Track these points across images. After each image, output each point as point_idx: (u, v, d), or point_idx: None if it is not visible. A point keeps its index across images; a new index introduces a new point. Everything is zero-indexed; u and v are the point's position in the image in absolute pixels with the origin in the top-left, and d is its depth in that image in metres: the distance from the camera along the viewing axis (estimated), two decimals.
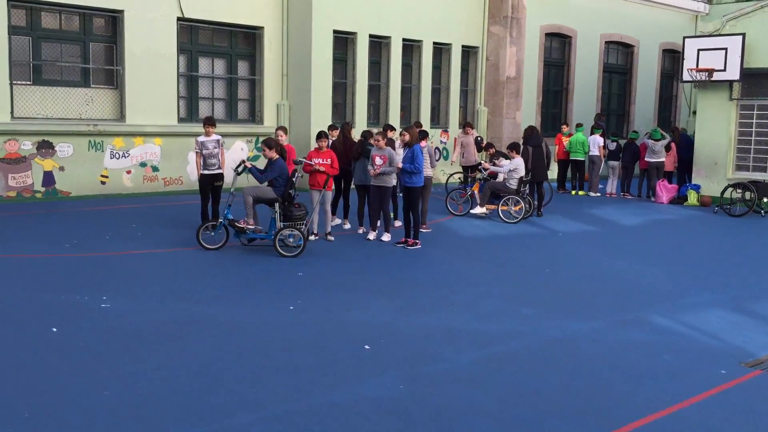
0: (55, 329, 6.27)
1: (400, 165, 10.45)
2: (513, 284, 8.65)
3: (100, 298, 7.30)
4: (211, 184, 11.02)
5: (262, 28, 16.63)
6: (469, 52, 19.81)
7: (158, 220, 12.08)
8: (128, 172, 14.93)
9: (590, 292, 8.40)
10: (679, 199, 16.24)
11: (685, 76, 15.68)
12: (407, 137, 10.58)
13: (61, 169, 14.03)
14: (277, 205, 9.73)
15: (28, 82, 13.82)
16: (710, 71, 15.01)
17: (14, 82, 13.46)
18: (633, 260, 10.18)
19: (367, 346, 6.12)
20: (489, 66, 19.94)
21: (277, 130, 10.62)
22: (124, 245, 9.99)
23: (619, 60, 23.49)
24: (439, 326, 6.80)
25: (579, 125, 18.75)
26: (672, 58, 24.77)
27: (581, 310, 7.54)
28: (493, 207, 13.17)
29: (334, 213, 11.68)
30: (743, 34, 15.04)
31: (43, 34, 13.95)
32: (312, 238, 10.79)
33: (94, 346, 5.92)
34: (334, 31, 16.75)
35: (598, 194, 17.73)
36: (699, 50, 15.25)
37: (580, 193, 17.92)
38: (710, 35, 15.49)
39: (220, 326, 6.56)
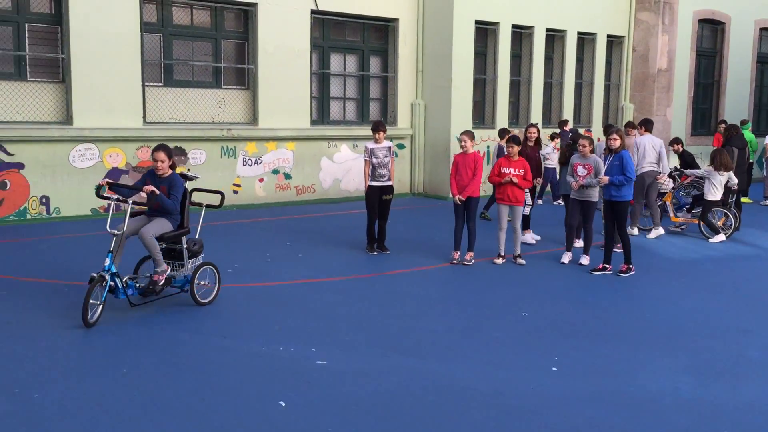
0: (283, 403, 4.86)
1: (605, 179, 8.72)
2: None
3: (308, 349, 5.89)
4: (379, 197, 9.58)
5: (396, 20, 15.15)
6: (613, 42, 17.87)
7: (311, 237, 10.71)
8: (260, 180, 13.69)
9: None
10: None
11: None
12: (618, 142, 8.84)
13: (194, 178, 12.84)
14: (184, 238, 7.09)
15: (159, 84, 12.70)
16: None
17: (146, 83, 12.36)
18: None
19: None
20: (636, 57, 17.95)
21: (462, 135, 9.06)
22: (293, 271, 8.62)
23: None
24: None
25: (744, 122, 16.60)
26: None
27: None
28: (692, 221, 11.30)
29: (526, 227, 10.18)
30: None
31: (174, 31, 12.80)
32: (498, 261, 9.22)
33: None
34: (476, 22, 15.13)
35: None
36: None
37: (747, 200, 15.64)
38: None
39: (487, 398, 5.03)
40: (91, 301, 6.12)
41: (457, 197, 8.99)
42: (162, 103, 12.65)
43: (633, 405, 4.94)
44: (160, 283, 6.68)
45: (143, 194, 6.60)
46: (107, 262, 6.29)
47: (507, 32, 15.65)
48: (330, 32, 14.67)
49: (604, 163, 8.89)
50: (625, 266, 8.77)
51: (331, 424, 4.53)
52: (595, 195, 9.11)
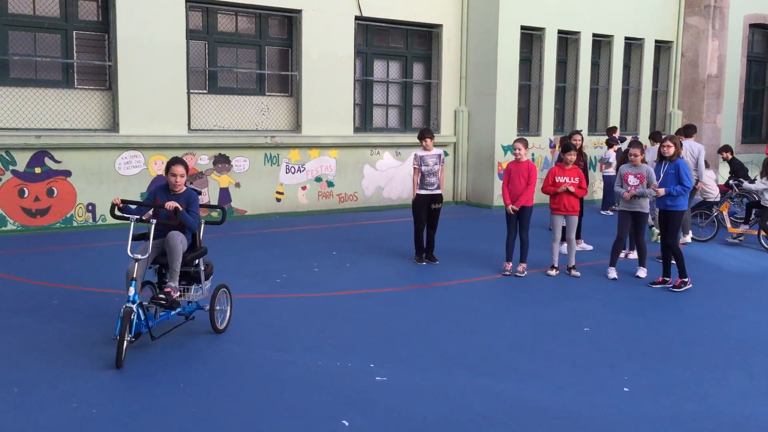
0: (346, 423, 4.66)
1: (661, 191, 8.36)
2: None
3: (366, 364, 5.70)
4: (428, 205, 9.37)
5: (440, 26, 14.96)
6: (660, 47, 17.45)
7: (357, 246, 10.54)
8: (303, 188, 13.57)
9: None
10: None
11: None
12: (672, 149, 8.51)
13: (237, 185, 12.80)
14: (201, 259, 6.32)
15: (204, 91, 12.66)
16: None
17: (191, 91, 12.32)
18: None
19: None
20: (685, 63, 17.51)
21: (516, 142, 8.81)
22: (342, 281, 8.45)
23: None
24: None
25: None
26: None
27: None
28: (751, 231, 10.90)
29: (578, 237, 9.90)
30: None
31: (219, 38, 12.77)
32: (552, 273, 8.94)
33: None
34: (522, 27, 14.87)
35: None
36: None
37: None
38: None
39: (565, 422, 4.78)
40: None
41: (510, 207, 8.74)
42: (206, 110, 12.61)
43: (717, 431, 4.64)
44: (175, 295, 5.85)
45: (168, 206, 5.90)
46: (131, 291, 5.54)
47: (553, 38, 15.36)
48: (374, 38, 14.54)
49: (659, 172, 8.55)
50: (680, 280, 8.38)
51: None
52: (646, 206, 8.79)
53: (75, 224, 11.37)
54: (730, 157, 12.85)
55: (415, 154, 9.38)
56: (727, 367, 5.86)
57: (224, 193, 12.68)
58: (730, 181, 11.36)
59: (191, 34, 12.26)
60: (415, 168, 9.35)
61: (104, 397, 4.95)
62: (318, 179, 13.72)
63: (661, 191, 8.35)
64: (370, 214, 13.95)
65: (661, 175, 8.49)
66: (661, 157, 8.61)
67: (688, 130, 11.34)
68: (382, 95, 14.87)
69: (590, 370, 5.71)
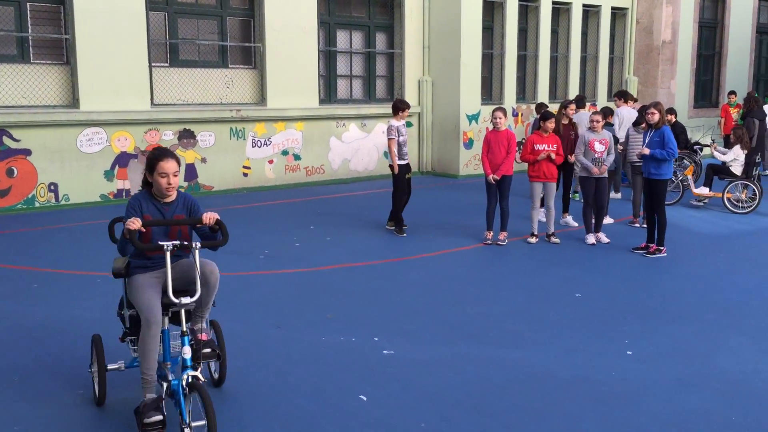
0: (364, 397, 4.63)
1: (646, 151, 8.44)
2: None
3: (370, 338, 5.67)
4: (404, 175, 9.35)
5: None
6: (616, 14, 17.66)
7: (332, 219, 10.44)
8: (270, 162, 13.34)
9: None
10: None
11: None
12: (656, 116, 8.52)
13: (203, 160, 12.50)
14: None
15: (165, 64, 12.26)
16: None
17: (152, 64, 11.92)
18: None
19: None
20: (639, 30, 17.77)
21: (496, 111, 8.79)
22: (327, 255, 8.36)
23: None
24: None
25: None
26: None
27: None
28: (715, 194, 11.20)
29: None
30: None
31: (179, 9, 12.34)
32: (532, 240, 9.04)
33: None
34: None
35: None
36: None
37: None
38: None
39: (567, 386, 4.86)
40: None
41: (491, 176, 8.77)
42: (169, 84, 12.23)
43: (725, 390, 4.78)
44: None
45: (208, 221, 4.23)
46: (187, 353, 3.89)
47: (514, 6, 15.36)
48: (336, 8, 14.28)
49: (645, 138, 8.63)
50: (655, 247, 8.51)
51: (423, 418, 4.33)
52: (606, 171, 8.99)
53: (37, 205, 10.95)
54: (673, 120, 13.09)
55: (392, 125, 9.30)
56: (720, 327, 6.04)
57: (190, 169, 12.38)
58: (695, 146, 11.63)
59: (150, 5, 11.80)
60: (392, 139, 9.28)
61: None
62: (285, 153, 13.51)
63: (646, 150, 8.37)
64: (338, 186, 13.83)
65: (647, 141, 8.55)
66: (648, 125, 8.59)
67: (625, 95, 12.29)
68: (346, 66, 14.68)
69: (591, 335, 5.81)
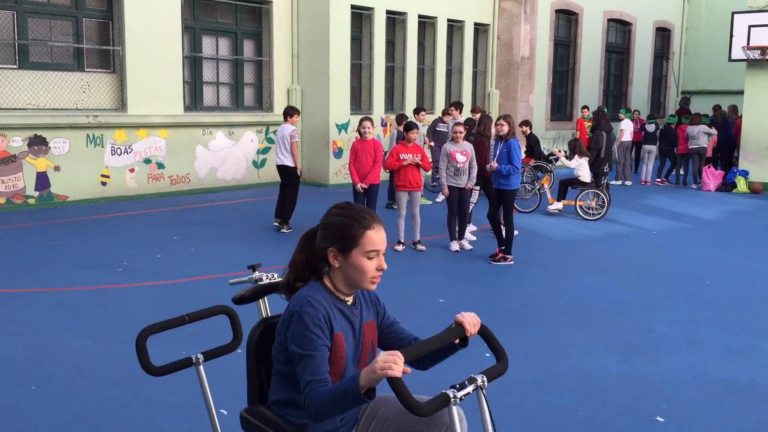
0: (225, 412, 4.50)
1: (495, 165, 8.78)
2: (694, 303, 7.32)
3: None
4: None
5: (270, 2, 14.68)
6: (479, 30, 18.38)
7: (197, 230, 10.15)
8: (131, 171, 12.80)
9: None
10: (726, 186, 15.39)
11: (735, 54, 14.78)
12: (505, 128, 8.94)
13: (57, 169, 11.80)
14: None
15: (14, 66, 11.49)
16: (765, 48, 14.14)
17: None
18: None
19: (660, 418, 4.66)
20: (500, 45, 18.58)
21: (364, 120, 8.88)
22: (191, 267, 8.09)
23: (617, 38, 22.58)
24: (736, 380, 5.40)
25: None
26: (662, 36, 24.13)
27: None
28: (568, 202, 11.86)
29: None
30: None
31: (29, 8, 11.61)
32: (399, 248, 9.19)
33: None
34: (352, 6, 14.97)
35: (630, 183, 16.71)
36: (750, 26, 14.35)
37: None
38: (761, 10, 14.59)
39: None
40: None
41: (359, 185, 8.83)
42: (17, 87, 11.47)
43: (574, 387, 5.04)
44: None
45: None
46: None
47: (382, 17, 15.63)
48: (201, 13, 13.95)
49: (494, 151, 8.97)
50: (501, 254, 8.77)
51: None
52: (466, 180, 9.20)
53: None
54: (528, 131, 13.78)
55: (294, 129, 9.84)
56: (571, 327, 6.37)
57: (42, 178, 11.65)
58: (551, 157, 12.28)
59: None
60: (296, 141, 9.84)
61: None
62: (147, 161, 13.00)
63: (494, 165, 8.73)
64: (205, 196, 13.48)
65: (497, 154, 8.91)
66: (498, 137, 8.98)
67: (459, 107, 13.20)
68: (212, 73, 14.36)
69: None
